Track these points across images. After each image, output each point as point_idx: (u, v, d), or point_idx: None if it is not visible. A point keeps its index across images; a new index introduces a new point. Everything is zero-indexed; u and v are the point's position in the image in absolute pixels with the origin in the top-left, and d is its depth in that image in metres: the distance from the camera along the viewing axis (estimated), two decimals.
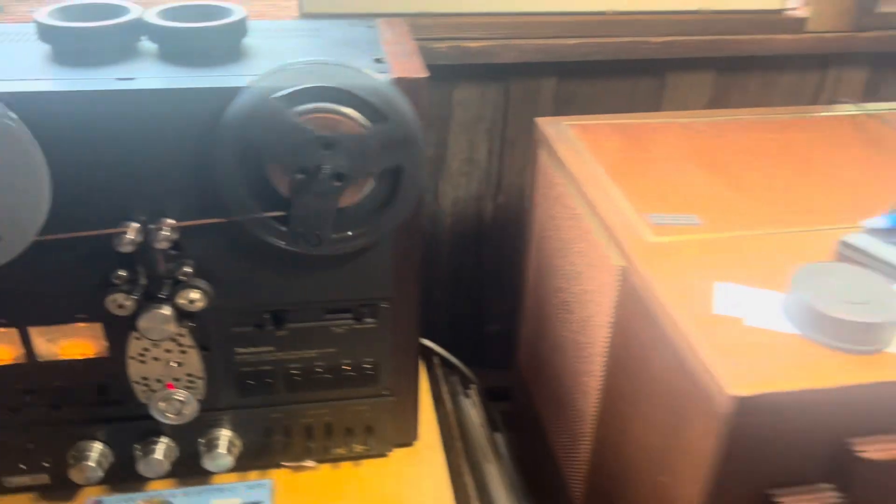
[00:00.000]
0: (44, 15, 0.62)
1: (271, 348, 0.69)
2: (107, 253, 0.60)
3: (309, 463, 0.76)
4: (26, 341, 0.65)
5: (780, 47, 1.06)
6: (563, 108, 1.07)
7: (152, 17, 0.63)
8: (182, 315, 0.64)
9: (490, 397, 1.16)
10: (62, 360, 0.67)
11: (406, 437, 0.78)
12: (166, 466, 0.71)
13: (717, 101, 1.11)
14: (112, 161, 0.58)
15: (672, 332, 0.60)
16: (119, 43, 0.63)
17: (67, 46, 0.62)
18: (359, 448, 0.76)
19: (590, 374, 0.79)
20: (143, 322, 0.62)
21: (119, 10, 0.64)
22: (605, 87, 1.07)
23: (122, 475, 0.72)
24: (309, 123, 0.57)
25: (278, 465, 0.76)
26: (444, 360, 1.12)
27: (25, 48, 0.63)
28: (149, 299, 0.63)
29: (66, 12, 0.63)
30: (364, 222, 0.63)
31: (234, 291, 0.66)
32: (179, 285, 0.63)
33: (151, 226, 0.60)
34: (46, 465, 0.71)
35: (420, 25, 0.95)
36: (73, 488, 0.73)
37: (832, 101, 1.11)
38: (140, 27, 0.63)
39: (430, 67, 0.97)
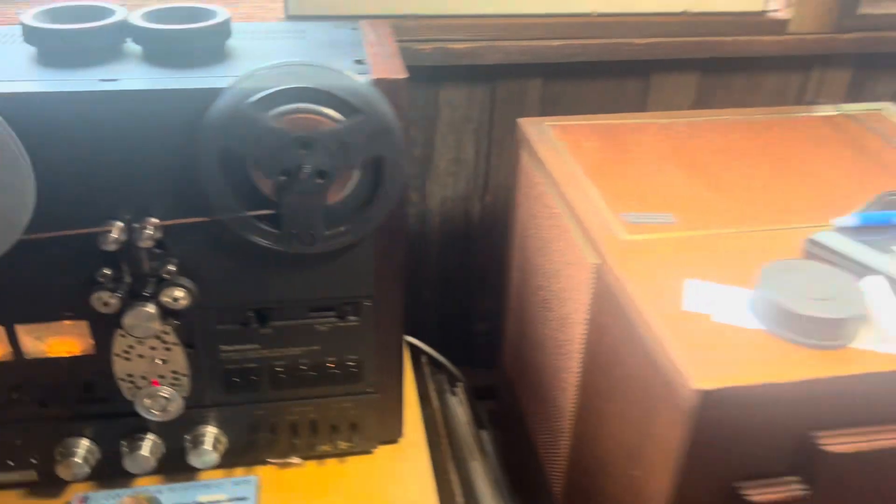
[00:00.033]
0: (30, 17, 0.62)
1: (256, 346, 0.70)
2: (92, 251, 0.61)
3: (294, 459, 0.76)
4: (13, 339, 0.66)
5: (762, 49, 1.07)
6: (549, 108, 1.08)
7: (137, 19, 0.64)
8: (166, 313, 0.65)
9: (477, 395, 1.17)
10: (49, 358, 0.67)
11: (391, 434, 0.79)
12: (152, 463, 0.71)
13: (702, 102, 1.12)
14: (96, 161, 0.59)
15: (642, 328, 0.61)
16: (104, 45, 0.64)
17: (53, 48, 0.63)
18: (344, 445, 0.77)
19: (568, 371, 0.80)
20: (128, 319, 0.63)
21: (104, 13, 0.65)
22: (591, 89, 1.08)
23: (109, 471, 0.73)
24: (285, 125, 0.58)
25: (264, 462, 0.76)
26: (431, 359, 1.12)
27: (11, 50, 0.64)
28: (133, 297, 0.63)
29: (52, 14, 0.64)
30: (354, 216, 0.63)
31: (218, 290, 0.66)
32: (163, 283, 0.64)
33: (136, 225, 0.61)
34: (34, 461, 0.72)
35: (405, 27, 0.96)
36: (60, 485, 0.73)
37: (811, 102, 1.12)
38: (125, 29, 0.64)
39: (418, 68, 0.99)
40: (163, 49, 0.64)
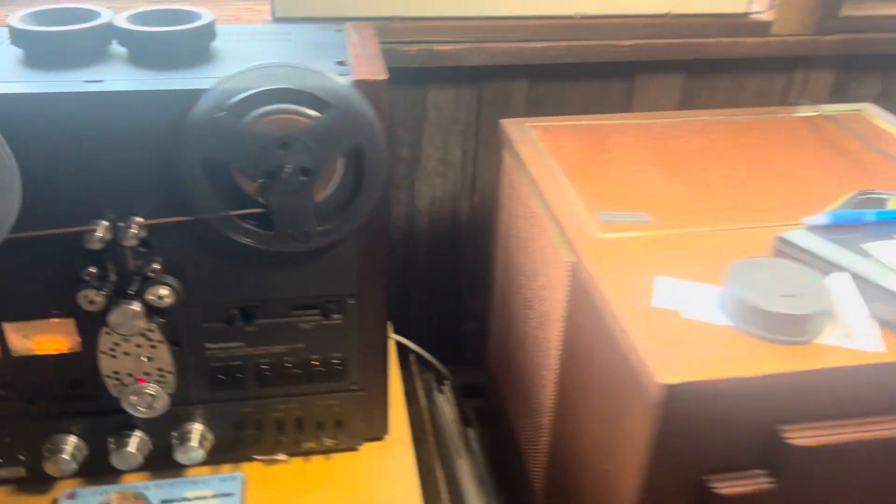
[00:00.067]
0: (16, 19, 0.63)
1: (241, 344, 0.71)
2: (78, 250, 0.62)
3: (280, 456, 0.77)
4: (0, 337, 0.67)
5: (746, 50, 1.07)
6: (534, 110, 1.09)
7: (122, 21, 0.65)
8: (151, 311, 0.66)
9: (465, 394, 1.18)
10: (36, 355, 0.68)
11: (376, 431, 0.80)
12: (139, 459, 0.72)
13: (687, 104, 1.13)
14: (82, 161, 0.60)
15: (613, 324, 0.62)
16: (90, 46, 0.64)
17: (39, 50, 0.64)
18: (329, 442, 0.77)
19: (547, 368, 0.81)
20: (113, 317, 0.64)
21: (90, 15, 0.66)
22: (576, 90, 1.09)
23: (97, 468, 0.74)
24: (265, 126, 0.59)
25: (250, 459, 0.77)
26: (419, 357, 1.13)
27: None
28: (119, 295, 0.64)
29: (39, 16, 0.65)
30: (337, 214, 0.64)
31: (203, 288, 0.67)
32: (148, 282, 0.65)
33: (121, 224, 0.62)
34: (22, 458, 0.73)
35: (391, 29, 0.97)
36: (48, 481, 0.74)
37: (791, 103, 1.12)
38: (110, 31, 0.65)
39: (404, 70, 0.99)
40: (148, 51, 0.65)
